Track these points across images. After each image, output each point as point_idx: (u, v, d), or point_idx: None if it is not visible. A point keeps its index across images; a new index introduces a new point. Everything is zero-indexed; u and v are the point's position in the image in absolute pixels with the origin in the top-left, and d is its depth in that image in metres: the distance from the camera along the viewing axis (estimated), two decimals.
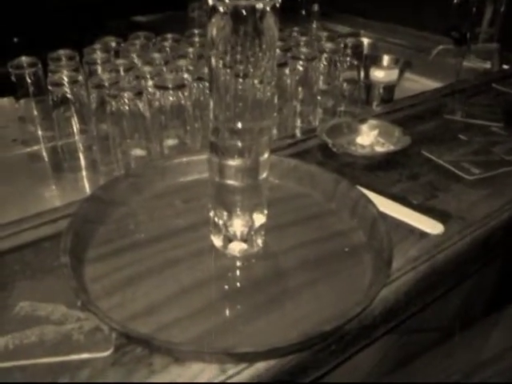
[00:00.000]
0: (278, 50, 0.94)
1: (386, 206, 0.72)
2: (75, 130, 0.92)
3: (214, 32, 0.52)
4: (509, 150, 0.89)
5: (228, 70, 0.53)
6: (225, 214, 0.62)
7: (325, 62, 1.06)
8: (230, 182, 0.60)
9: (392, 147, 0.89)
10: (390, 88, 1.19)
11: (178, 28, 1.18)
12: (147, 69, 0.89)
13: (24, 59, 0.94)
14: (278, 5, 0.52)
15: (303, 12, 1.72)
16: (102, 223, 0.68)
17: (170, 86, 0.83)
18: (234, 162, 0.59)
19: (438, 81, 1.37)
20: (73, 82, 0.88)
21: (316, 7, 1.71)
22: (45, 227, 0.69)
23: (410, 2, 1.57)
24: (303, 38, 1.12)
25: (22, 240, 0.66)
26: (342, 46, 1.08)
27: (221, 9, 0.51)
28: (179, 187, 0.76)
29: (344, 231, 0.69)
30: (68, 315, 0.55)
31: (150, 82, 0.86)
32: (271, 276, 0.62)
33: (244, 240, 0.64)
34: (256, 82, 0.54)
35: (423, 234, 0.69)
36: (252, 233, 0.64)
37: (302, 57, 0.99)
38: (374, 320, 0.59)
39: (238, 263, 0.64)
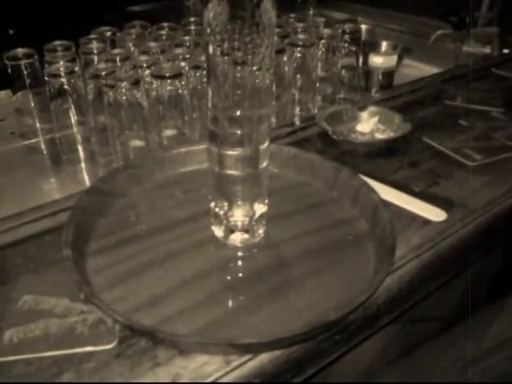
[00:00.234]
0: (275, 37, 0.94)
1: (387, 193, 0.72)
2: (73, 121, 0.91)
3: (211, 18, 0.52)
4: (510, 136, 0.89)
5: (226, 58, 0.53)
6: (225, 204, 0.62)
7: (323, 49, 1.05)
8: (230, 171, 0.60)
9: (392, 134, 0.88)
10: (388, 74, 1.19)
11: (173, 17, 1.17)
12: (144, 58, 0.89)
13: (20, 50, 0.93)
14: None
15: None
16: (103, 215, 0.68)
17: (167, 74, 0.83)
18: (233, 152, 0.58)
19: (437, 66, 1.36)
20: (70, 72, 0.87)
21: None
22: (45, 220, 0.68)
23: None
24: (300, 25, 1.11)
25: (23, 233, 0.66)
26: (340, 32, 1.08)
27: None
28: (179, 178, 0.76)
29: (346, 220, 0.68)
30: (71, 308, 0.54)
31: (147, 72, 0.86)
32: (273, 266, 0.62)
33: (245, 230, 0.63)
34: (255, 69, 0.54)
35: (426, 222, 0.68)
36: (253, 223, 0.63)
37: (300, 43, 0.98)
38: (378, 309, 0.58)
39: (240, 253, 0.64)
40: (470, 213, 0.71)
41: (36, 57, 0.94)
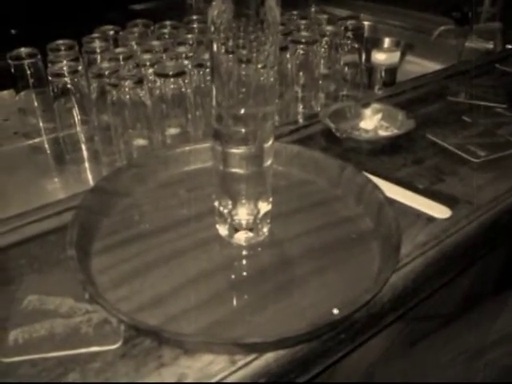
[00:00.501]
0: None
1: (391, 191, 0.71)
2: (76, 120, 0.91)
3: (215, 16, 0.52)
4: None
5: (230, 56, 0.53)
6: (230, 202, 0.62)
7: (325, 46, 1.05)
8: (234, 170, 0.60)
9: (396, 131, 0.88)
10: (391, 71, 1.18)
11: (175, 15, 1.17)
12: (147, 57, 0.89)
13: (23, 50, 0.93)
14: None
15: None
16: (107, 215, 0.68)
17: (171, 73, 0.83)
18: (237, 150, 0.58)
19: (440, 62, 1.36)
20: (73, 72, 0.87)
21: None
22: (49, 220, 0.68)
23: None
24: (303, 22, 1.11)
25: (28, 233, 0.66)
26: (343, 29, 1.08)
27: None
28: (183, 177, 0.76)
29: (351, 218, 0.68)
30: (76, 308, 0.54)
31: (150, 70, 0.86)
32: (278, 264, 0.62)
33: (249, 229, 0.63)
34: (259, 66, 0.54)
35: (430, 219, 0.68)
36: (257, 221, 0.63)
37: (303, 41, 0.98)
38: (383, 307, 0.58)
39: (244, 252, 0.64)
40: (475, 210, 0.70)
41: (39, 56, 0.94)
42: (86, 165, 0.93)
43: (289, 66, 0.98)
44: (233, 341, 0.50)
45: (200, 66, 0.87)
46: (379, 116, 0.91)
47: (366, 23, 1.53)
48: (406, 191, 0.73)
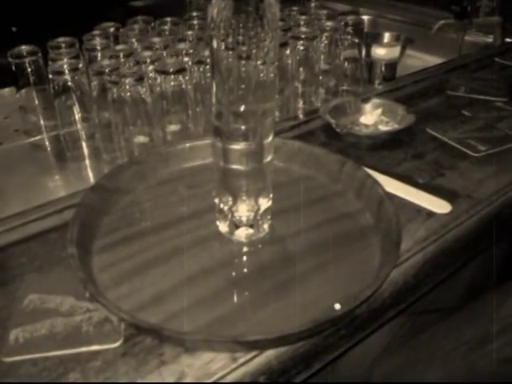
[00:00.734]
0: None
1: (392, 185, 0.71)
2: (77, 118, 0.91)
3: (215, 13, 0.52)
4: None
5: (230, 52, 0.53)
6: (230, 199, 0.62)
7: (325, 41, 1.05)
8: (235, 166, 0.60)
9: (396, 126, 0.88)
10: (391, 65, 1.18)
11: (175, 12, 1.16)
12: (147, 54, 0.89)
13: (24, 48, 0.93)
14: None
15: None
16: (108, 212, 0.68)
17: (171, 70, 0.83)
18: (238, 146, 0.58)
19: (440, 56, 1.35)
20: (73, 69, 0.87)
21: None
22: (50, 218, 0.68)
23: None
24: (303, 18, 1.10)
25: (28, 232, 0.66)
26: (343, 24, 1.07)
27: None
28: (183, 173, 0.76)
29: (351, 213, 0.68)
30: (77, 306, 0.55)
31: (151, 67, 0.86)
32: (279, 261, 0.62)
33: (250, 225, 0.63)
34: (259, 63, 0.54)
35: (431, 214, 0.68)
36: (258, 217, 0.63)
37: (303, 36, 0.98)
38: (384, 303, 0.58)
39: (245, 249, 0.64)
40: (475, 204, 0.70)
41: (40, 54, 0.94)
42: (87, 162, 0.92)
43: (289, 61, 0.98)
44: (234, 338, 0.50)
45: (200, 62, 0.87)
46: (379, 111, 0.91)
47: (365, 18, 1.53)
48: (406, 186, 0.73)
